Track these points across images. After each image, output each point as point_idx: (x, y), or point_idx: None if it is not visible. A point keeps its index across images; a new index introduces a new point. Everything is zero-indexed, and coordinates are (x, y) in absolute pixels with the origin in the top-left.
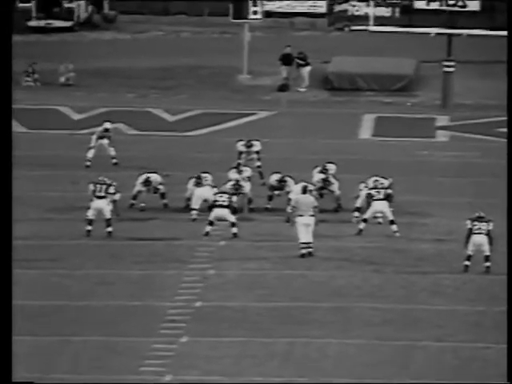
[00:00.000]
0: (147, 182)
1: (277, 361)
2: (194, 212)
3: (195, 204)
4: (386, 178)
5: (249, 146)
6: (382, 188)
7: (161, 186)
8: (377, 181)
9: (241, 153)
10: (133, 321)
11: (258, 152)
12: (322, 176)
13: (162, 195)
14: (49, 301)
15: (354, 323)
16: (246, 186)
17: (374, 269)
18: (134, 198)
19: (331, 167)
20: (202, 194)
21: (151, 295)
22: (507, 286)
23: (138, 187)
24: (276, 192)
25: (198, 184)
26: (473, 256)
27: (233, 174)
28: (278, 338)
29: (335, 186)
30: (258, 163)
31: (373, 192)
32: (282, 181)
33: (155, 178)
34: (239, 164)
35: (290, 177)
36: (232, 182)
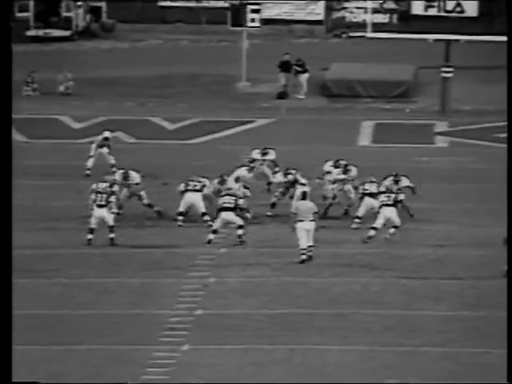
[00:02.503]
0: (126, 177)
1: (278, 368)
2: (180, 218)
3: (182, 207)
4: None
5: (264, 153)
6: (392, 193)
7: (143, 193)
8: (372, 182)
9: (253, 160)
10: (134, 329)
11: (273, 161)
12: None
13: (149, 205)
14: (51, 310)
15: (355, 330)
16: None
17: (374, 275)
18: (120, 207)
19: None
20: (189, 198)
21: (152, 303)
22: (507, 288)
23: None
24: (284, 188)
25: (187, 189)
26: None
27: (242, 172)
28: (278, 345)
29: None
30: (277, 169)
31: (383, 197)
32: (287, 173)
33: (134, 175)
34: (253, 167)
35: (295, 169)
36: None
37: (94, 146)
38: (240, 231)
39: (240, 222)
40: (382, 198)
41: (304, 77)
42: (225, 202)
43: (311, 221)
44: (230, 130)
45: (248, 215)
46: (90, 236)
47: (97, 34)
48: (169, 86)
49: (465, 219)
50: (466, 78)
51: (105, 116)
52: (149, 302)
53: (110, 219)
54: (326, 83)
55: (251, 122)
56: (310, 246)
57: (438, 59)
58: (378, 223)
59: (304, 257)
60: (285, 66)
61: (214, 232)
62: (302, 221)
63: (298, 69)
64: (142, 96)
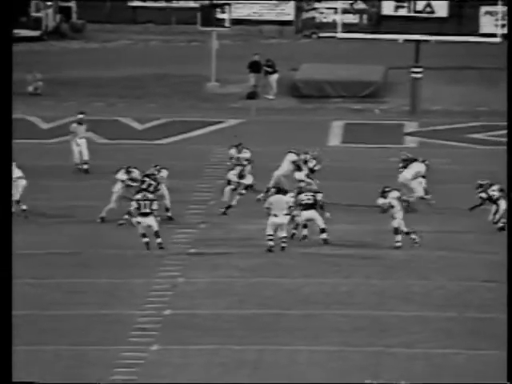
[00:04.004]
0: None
1: (247, 368)
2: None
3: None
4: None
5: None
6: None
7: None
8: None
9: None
10: (103, 329)
11: (310, 165)
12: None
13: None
14: (20, 310)
15: (324, 330)
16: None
17: (344, 275)
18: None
19: None
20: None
21: (121, 304)
22: (507, 288)
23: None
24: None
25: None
26: None
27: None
28: (248, 346)
29: None
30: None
31: (496, 193)
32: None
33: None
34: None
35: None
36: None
37: (72, 139)
38: (324, 235)
39: (322, 224)
40: (494, 191)
41: (274, 77)
42: (303, 200)
43: (285, 215)
44: (199, 131)
45: (328, 214)
46: (146, 239)
47: (67, 35)
48: (138, 86)
49: (434, 220)
50: (435, 78)
51: (74, 116)
52: (118, 302)
53: (155, 226)
54: (295, 84)
55: (221, 122)
56: (284, 237)
57: (407, 60)
58: (503, 222)
59: (271, 243)
60: (255, 67)
61: (305, 226)
62: (275, 215)
63: (268, 69)
64: (111, 96)
